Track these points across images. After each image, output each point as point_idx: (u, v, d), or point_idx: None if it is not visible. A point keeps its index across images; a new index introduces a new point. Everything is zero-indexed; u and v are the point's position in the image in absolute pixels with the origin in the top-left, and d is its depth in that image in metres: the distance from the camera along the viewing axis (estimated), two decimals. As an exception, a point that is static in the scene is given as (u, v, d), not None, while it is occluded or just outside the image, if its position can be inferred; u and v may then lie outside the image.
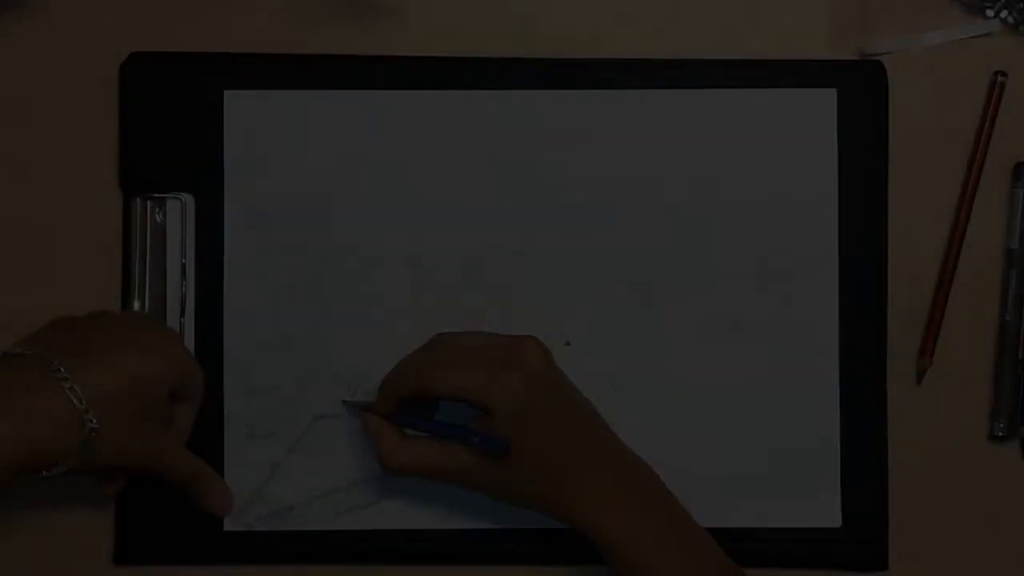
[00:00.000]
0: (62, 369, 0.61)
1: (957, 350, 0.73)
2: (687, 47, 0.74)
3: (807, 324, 0.72)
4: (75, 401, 0.60)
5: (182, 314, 0.72)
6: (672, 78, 0.73)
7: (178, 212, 0.72)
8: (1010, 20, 0.74)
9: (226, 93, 0.72)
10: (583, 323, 0.72)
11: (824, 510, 0.72)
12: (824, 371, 0.72)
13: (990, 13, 0.74)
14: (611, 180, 0.73)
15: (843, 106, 0.73)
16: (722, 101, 0.73)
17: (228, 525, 0.72)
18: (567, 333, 0.72)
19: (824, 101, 0.73)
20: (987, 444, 0.73)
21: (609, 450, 0.68)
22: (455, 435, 0.66)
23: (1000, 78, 0.73)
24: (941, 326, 0.72)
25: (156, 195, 0.72)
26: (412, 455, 0.67)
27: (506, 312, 0.72)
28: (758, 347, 0.72)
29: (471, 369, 0.66)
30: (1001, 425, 0.72)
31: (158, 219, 0.73)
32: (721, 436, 0.72)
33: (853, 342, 0.72)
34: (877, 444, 0.72)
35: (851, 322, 0.72)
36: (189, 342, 0.72)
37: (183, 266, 0.72)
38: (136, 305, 0.72)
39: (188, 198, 0.72)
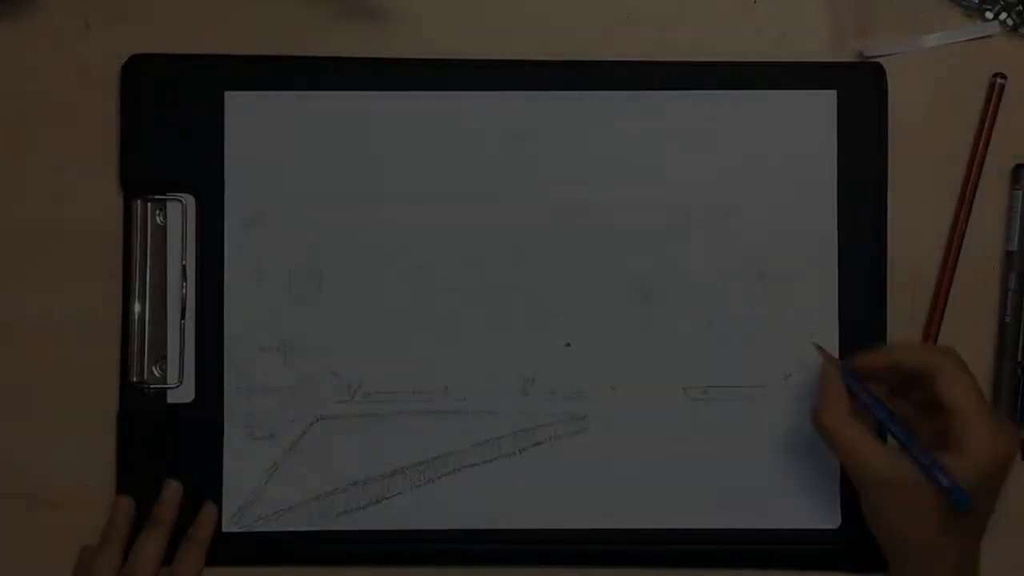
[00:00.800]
0: None
1: (957, 352, 0.73)
2: (687, 49, 0.74)
3: (807, 325, 0.72)
4: None
5: (183, 316, 0.72)
6: (672, 80, 0.73)
7: (179, 213, 0.72)
8: (1009, 22, 0.74)
9: (227, 94, 0.72)
10: (583, 324, 0.72)
11: (823, 511, 0.72)
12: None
13: (989, 15, 0.74)
14: (611, 181, 0.73)
15: (843, 108, 0.73)
16: (722, 103, 0.73)
17: (227, 526, 0.72)
18: (567, 334, 0.72)
19: (824, 103, 0.73)
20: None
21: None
22: (922, 457, 0.62)
23: (999, 80, 0.73)
24: (941, 327, 0.72)
25: (157, 196, 0.73)
26: (849, 435, 0.64)
27: (506, 313, 0.72)
28: (758, 348, 0.72)
29: (983, 407, 0.63)
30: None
31: (159, 221, 0.73)
32: (720, 437, 0.72)
33: (853, 343, 0.72)
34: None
35: (851, 323, 0.72)
36: (190, 343, 0.72)
37: (184, 267, 0.72)
38: (137, 307, 0.72)
39: (189, 199, 0.72)
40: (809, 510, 0.72)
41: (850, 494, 0.72)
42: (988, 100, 0.73)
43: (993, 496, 0.64)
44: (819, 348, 0.69)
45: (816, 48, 0.74)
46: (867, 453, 0.64)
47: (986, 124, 0.73)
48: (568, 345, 0.72)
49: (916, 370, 0.65)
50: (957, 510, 0.61)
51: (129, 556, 0.70)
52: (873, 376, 0.67)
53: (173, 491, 0.71)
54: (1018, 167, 0.73)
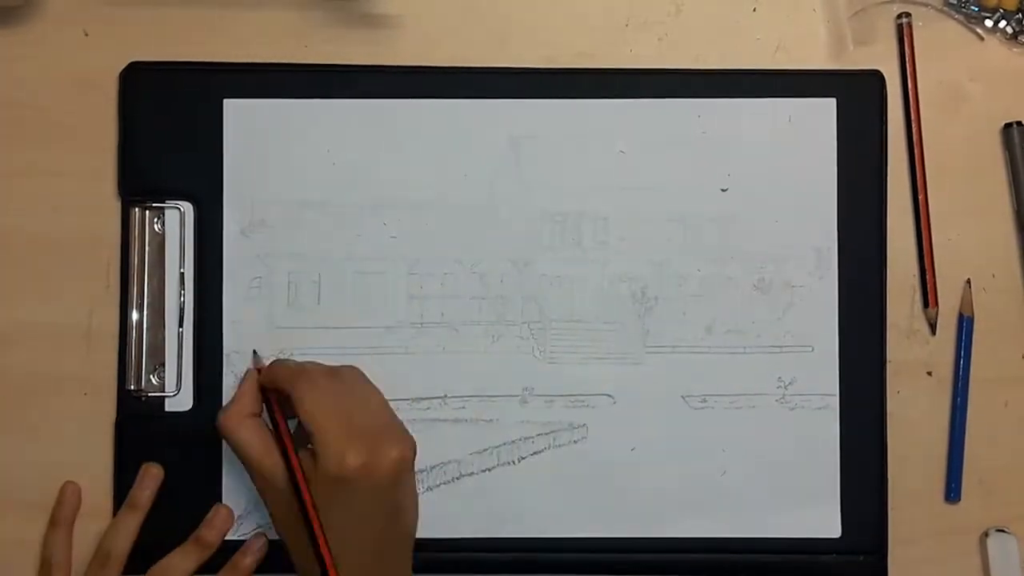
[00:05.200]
0: None
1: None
2: (686, 57, 0.74)
3: (807, 333, 0.72)
4: None
5: (181, 323, 0.72)
6: (671, 87, 0.73)
7: (177, 221, 0.72)
8: (1008, 30, 0.74)
9: (225, 102, 0.72)
10: (582, 332, 0.72)
11: (824, 520, 0.72)
12: (824, 381, 0.72)
13: (989, 23, 0.74)
14: (610, 189, 0.73)
15: (843, 115, 0.73)
16: (722, 110, 0.73)
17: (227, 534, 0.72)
18: (566, 342, 0.72)
19: (824, 110, 0.73)
20: (987, 454, 0.73)
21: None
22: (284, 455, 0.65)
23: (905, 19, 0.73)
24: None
25: (155, 204, 0.72)
26: (247, 431, 0.66)
27: (503, 319, 0.72)
28: (757, 355, 0.72)
29: (331, 419, 0.64)
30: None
31: (157, 228, 0.73)
32: (720, 445, 0.72)
33: (853, 352, 0.72)
34: (877, 454, 0.72)
35: (851, 332, 0.72)
36: (188, 351, 0.72)
37: (182, 275, 0.72)
38: (135, 315, 0.72)
39: (187, 207, 0.72)
40: (809, 519, 0.72)
41: (851, 503, 0.72)
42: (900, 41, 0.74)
43: (369, 513, 0.64)
44: (254, 354, 0.71)
45: (815, 56, 0.74)
46: (257, 452, 0.65)
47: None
48: (567, 353, 0.72)
49: (283, 391, 0.66)
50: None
51: (160, 564, 0.70)
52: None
53: (223, 518, 0.71)
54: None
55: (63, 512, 0.71)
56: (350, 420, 0.64)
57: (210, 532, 0.71)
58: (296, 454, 0.65)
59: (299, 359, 0.72)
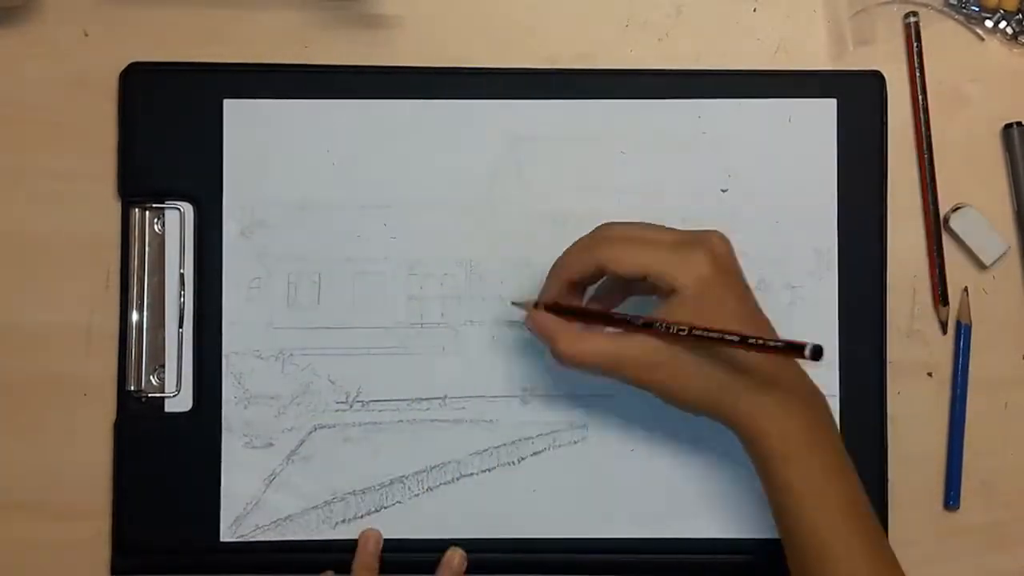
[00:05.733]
0: None
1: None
2: (686, 57, 0.74)
3: (807, 334, 0.72)
4: None
5: (180, 324, 0.72)
6: (671, 88, 0.73)
7: (177, 221, 0.72)
8: (1009, 31, 0.74)
9: (225, 102, 0.72)
10: (582, 333, 0.72)
11: (824, 521, 0.72)
12: (824, 381, 0.71)
13: (989, 24, 0.74)
14: (612, 189, 0.73)
15: (843, 116, 0.73)
16: (723, 111, 0.73)
17: (225, 535, 0.72)
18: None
19: (824, 111, 0.73)
20: (988, 453, 0.73)
21: (787, 363, 0.63)
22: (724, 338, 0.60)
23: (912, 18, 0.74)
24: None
25: (155, 204, 0.72)
26: (594, 344, 0.62)
27: (504, 319, 0.72)
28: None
29: (654, 245, 0.62)
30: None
31: (157, 229, 0.73)
32: (720, 446, 0.72)
33: (853, 350, 0.72)
34: (877, 454, 0.72)
35: (851, 333, 0.72)
36: (188, 352, 0.72)
37: (182, 276, 0.72)
38: (135, 315, 0.72)
39: (187, 207, 0.72)
40: (809, 520, 0.72)
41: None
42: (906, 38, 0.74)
43: (734, 298, 0.62)
44: (514, 303, 0.69)
45: (816, 56, 0.74)
46: (624, 349, 0.62)
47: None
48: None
49: (587, 276, 0.64)
50: (815, 358, 0.57)
51: None
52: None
53: (375, 542, 0.72)
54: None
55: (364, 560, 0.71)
56: (657, 241, 0.62)
57: (365, 556, 0.71)
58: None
59: (299, 360, 0.72)
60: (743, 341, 0.59)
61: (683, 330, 0.60)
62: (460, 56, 0.73)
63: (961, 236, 0.73)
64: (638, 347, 0.62)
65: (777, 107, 0.73)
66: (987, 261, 0.73)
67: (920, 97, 0.73)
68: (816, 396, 0.64)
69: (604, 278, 0.65)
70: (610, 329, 0.63)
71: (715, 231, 0.63)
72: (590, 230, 0.65)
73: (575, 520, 0.72)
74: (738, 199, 0.73)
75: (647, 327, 0.61)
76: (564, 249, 0.65)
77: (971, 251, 0.73)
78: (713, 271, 0.61)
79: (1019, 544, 0.73)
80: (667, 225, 0.64)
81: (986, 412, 0.73)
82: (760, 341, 0.59)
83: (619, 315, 0.64)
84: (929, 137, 0.73)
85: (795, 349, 0.58)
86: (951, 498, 0.73)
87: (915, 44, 0.73)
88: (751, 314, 0.63)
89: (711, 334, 0.59)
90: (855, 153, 0.73)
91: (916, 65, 0.73)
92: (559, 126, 0.73)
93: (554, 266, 0.66)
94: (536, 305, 0.66)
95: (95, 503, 0.72)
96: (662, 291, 0.62)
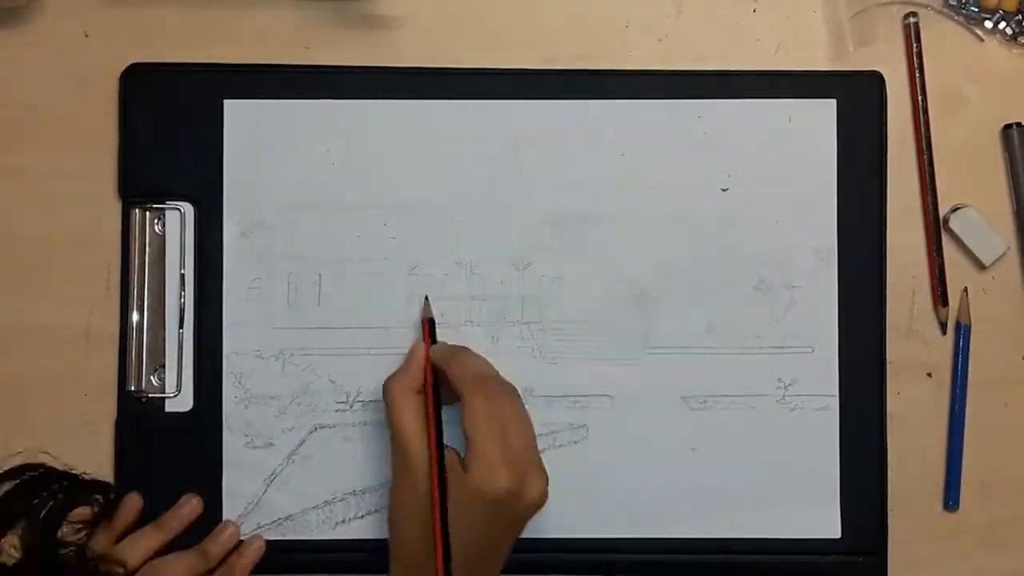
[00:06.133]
0: None
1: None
2: (686, 58, 0.74)
3: (807, 334, 0.72)
4: None
5: (181, 324, 0.72)
6: (671, 88, 0.73)
7: (177, 222, 0.72)
8: (1008, 32, 0.74)
9: (226, 103, 0.72)
10: (582, 333, 0.72)
11: (824, 521, 0.72)
12: (824, 381, 0.72)
13: (988, 24, 0.74)
14: (610, 190, 0.73)
15: (843, 116, 0.73)
16: (723, 111, 0.73)
17: (226, 535, 0.72)
18: (566, 342, 0.72)
19: (824, 111, 0.73)
20: (987, 454, 0.73)
21: None
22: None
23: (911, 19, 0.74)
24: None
25: (155, 205, 0.72)
26: (407, 405, 0.65)
27: (503, 320, 0.72)
28: (757, 356, 0.72)
29: (493, 440, 0.63)
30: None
31: (157, 229, 0.73)
32: (720, 446, 0.72)
33: (853, 353, 0.72)
34: (877, 454, 0.72)
35: (851, 333, 0.72)
36: (188, 352, 0.72)
37: (182, 276, 0.72)
38: (135, 316, 0.72)
39: (187, 208, 0.72)
40: (809, 520, 0.72)
41: (851, 504, 0.72)
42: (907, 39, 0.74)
43: (486, 529, 0.63)
44: (426, 300, 0.71)
45: (815, 57, 0.74)
46: (410, 433, 0.64)
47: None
48: (567, 354, 0.72)
49: (455, 385, 0.65)
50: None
51: (119, 544, 0.70)
52: None
53: (191, 508, 0.71)
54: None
55: (169, 519, 0.71)
56: (507, 441, 0.63)
57: (172, 518, 0.71)
58: (442, 451, 0.64)
59: (299, 360, 0.72)
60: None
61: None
62: (460, 56, 0.73)
63: (960, 236, 0.73)
64: (417, 444, 0.64)
65: (777, 107, 0.73)
66: (987, 261, 0.73)
67: (920, 98, 0.73)
68: None
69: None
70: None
71: (544, 490, 0.64)
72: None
73: (575, 520, 0.72)
74: (738, 199, 0.73)
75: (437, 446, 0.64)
76: (477, 359, 0.67)
77: (971, 251, 0.73)
78: (505, 498, 0.62)
79: (1018, 545, 0.73)
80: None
81: (986, 412, 0.73)
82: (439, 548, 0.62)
83: (433, 426, 0.65)
84: (929, 137, 0.73)
85: None
86: (951, 498, 0.73)
87: (915, 45, 0.73)
88: (490, 545, 0.65)
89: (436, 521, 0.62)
90: (855, 153, 0.73)
91: (916, 66, 0.73)
92: (559, 126, 0.73)
93: (452, 355, 0.67)
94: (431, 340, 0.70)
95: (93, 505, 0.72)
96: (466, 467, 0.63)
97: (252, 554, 0.71)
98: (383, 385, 0.67)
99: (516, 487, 0.63)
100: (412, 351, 0.68)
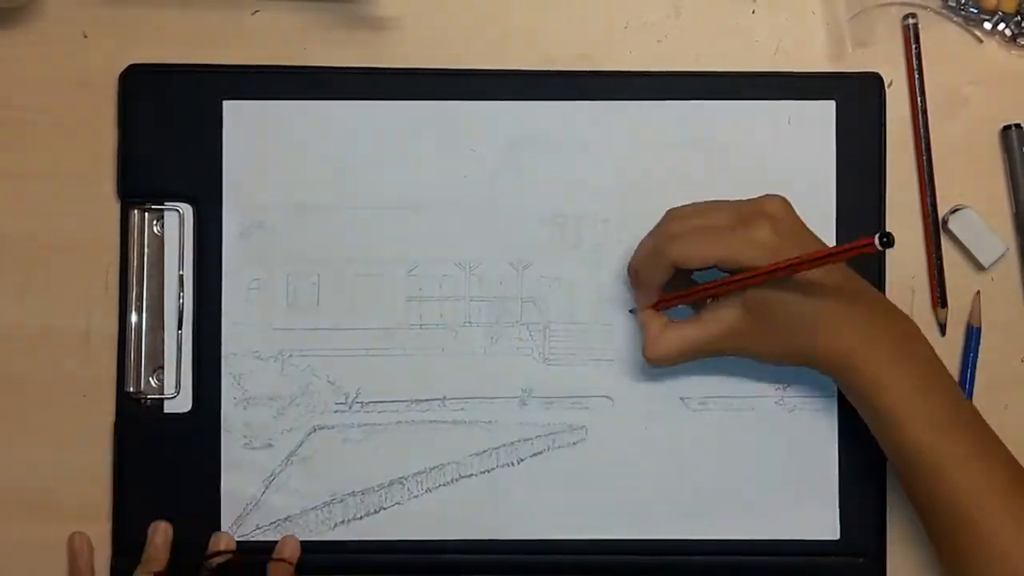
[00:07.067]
0: None
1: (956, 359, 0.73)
2: (685, 59, 0.74)
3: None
4: None
5: (180, 325, 0.72)
6: (670, 90, 0.73)
7: (176, 223, 0.72)
8: (1007, 33, 0.74)
9: (225, 104, 0.72)
10: (581, 334, 0.72)
11: (822, 522, 0.72)
12: (823, 383, 0.72)
13: (988, 26, 0.74)
14: (611, 190, 0.73)
15: (842, 117, 0.73)
16: (720, 113, 0.73)
17: (225, 536, 0.72)
18: (565, 343, 0.72)
19: (823, 113, 0.73)
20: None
21: (862, 287, 0.67)
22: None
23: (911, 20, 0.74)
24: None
25: (154, 206, 0.72)
26: (674, 337, 0.67)
27: (502, 321, 0.72)
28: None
29: (716, 233, 0.65)
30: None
31: (156, 230, 0.73)
32: (719, 447, 0.72)
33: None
34: (875, 456, 0.72)
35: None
36: (187, 353, 0.72)
37: (181, 277, 0.72)
38: (134, 317, 0.72)
39: (186, 209, 0.72)
40: (808, 521, 0.72)
41: (850, 505, 0.72)
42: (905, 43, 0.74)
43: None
44: (632, 311, 0.72)
45: (814, 58, 0.74)
46: (701, 332, 0.67)
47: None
48: (566, 355, 0.72)
49: (667, 273, 0.66)
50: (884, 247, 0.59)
51: None
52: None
53: (164, 533, 0.71)
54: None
55: (79, 565, 0.71)
56: (711, 217, 0.66)
57: (155, 551, 0.70)
58: None
59: (298, 361, 0.72)
60: (810, 261, 0.61)
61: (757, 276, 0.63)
62: (459, 57, 0.73)
63: (959, 237, 0.73)
64: (719, 322, 0.66)
65: (776, 109, 0.73)
66: (985, 263, 0.73)
67: (919, 99, 0.73)
68: (898, 312, 0.66)
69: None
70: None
71: (768, 197, 0.66)
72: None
73: (574, 521, 0.72)
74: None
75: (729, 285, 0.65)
76: (636, 252, 0.69)
77: (969, 253, 0.73)
78: (776, 239, 0.64)
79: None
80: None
81: (985, 413, 0.73)
82: (824, 254, 0.61)
83: (700, 288, 0.67)
84: (928, 139, 0.73)
85: (863, 245, 0.59)
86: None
87: (914, 46, 0.73)
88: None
89: (780, 268, 0.62)
90: (854, 155, 0.73)
91: (915, 67, 0.73)
92: (558, 127, 0.73)
93: (635, 275, 0.69)
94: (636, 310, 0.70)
95: (95, 505, 0.72)
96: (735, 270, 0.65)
97: (291, 552, 0.71)
98: (651, 361, 0.69)
99: (747, 212, 0.65)
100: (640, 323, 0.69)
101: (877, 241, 0.58)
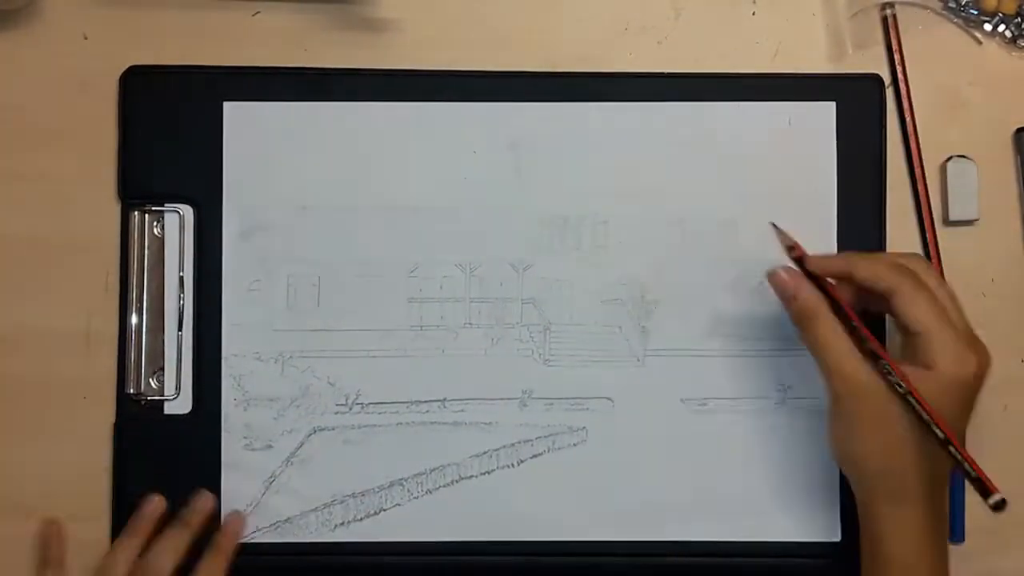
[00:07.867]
0: None
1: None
2: (685, 60, 0.74)
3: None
4: None
5: (180, 327, 0.72)
6: (670, 91, 0.73)
7: (177, 224, 0.72)
8: (1007, 34, 0.74)
9: (225, 105, 0.72)
10: (581, 335, 0.72)
11: (823, 524, 0.72)
12: (822, 384, 0.71)
13: (987, 27, 0.74)
14: (610, 193, 0.73)
15: (842, 119, 0.73)
16: (721, 114, 0.73)
17: (225, 537, 0.72)
18: (565, 345, 0.72)
19: (823, 114, 0.73)
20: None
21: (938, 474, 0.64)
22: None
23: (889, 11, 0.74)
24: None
25: (155, 207, 0.72)
26: (836, 338, 0.63)
27: (502, 323, 0.72)
28: (757, 359, 0.72)
29: (946, 321, 0.62)
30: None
31: (157, 232, 0.73)
32: (719, 449, 0.72)
33: (852, 354, 0.72)
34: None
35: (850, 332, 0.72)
36: (187, 355, 0.72)
37: (181, 278, 0.72)
38: (134, 318, 0.72)
39: (187, 210, 0.72)
40: (809, 523, 0.72)
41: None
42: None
43: (961, 417, 0.63)
44: (774, 227, 0.67)
45: (815, 60, 0.74)
46: (850, 362, 0.62)
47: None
48: (567, 356, 0.72)
49: (872, 286, 0.63)
50: (988, 504, 0.59)
51: (148, 549, 0.70)
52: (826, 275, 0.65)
53: (205, 501, 0.71)
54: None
55: (52, 552, 0.71)
56: (953, 320, 0.62)
57: (190, 513, 0.71)
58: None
59: (298, 362, 0.72)
60: (945, 441, 0.60)
61: (901, 387, 0.61)
62: (459, 59, 0.73)
63: (948, 181, 0.72)
64: (855, 368, 0.62)
65: (776, 110, 0.73)
66: (952, 216, 0.72)
67: (906, 93, 0.73)
68: (944, 506, 0.65)
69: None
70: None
71: (988, 361, 0.63)
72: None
73: (574, 523, 0.72)
74: (738, 202, 0.73)
75: (873, 355, 0.62)
76: (880, 253, 0.69)
77: (946, 203, 0.73)
78: (973, 380, 0.62)
79: (1019, 546, 0.73)
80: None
81: (985, 414, 0.73)
82: (958, 452, 0.60)
83: (855, 325, 0.63)
84: (915, 132, 0.73)
85: (983, 489, 0.59)
86: (951, 494, 0.73)
87: (895, 36, 0.73)
88: (962, 433, 0.64)
89: (922, 412, 0.60)
90: (854, 156, 0.73)
91: (899, 61, 0.73)
92: (558, 129, 0.73)
93: (852, 258, 0.65)
94: (795, 257, 0.65)
95: (95, 506, 0.72)
96: (910, 337, 0.62)
97: (234, 531, 0.71)
98: (797, 306, 0.64)
99: (982, 361, 0.62)
100: (782, 282, 0.65)
101: (992, 501, 0.59)
